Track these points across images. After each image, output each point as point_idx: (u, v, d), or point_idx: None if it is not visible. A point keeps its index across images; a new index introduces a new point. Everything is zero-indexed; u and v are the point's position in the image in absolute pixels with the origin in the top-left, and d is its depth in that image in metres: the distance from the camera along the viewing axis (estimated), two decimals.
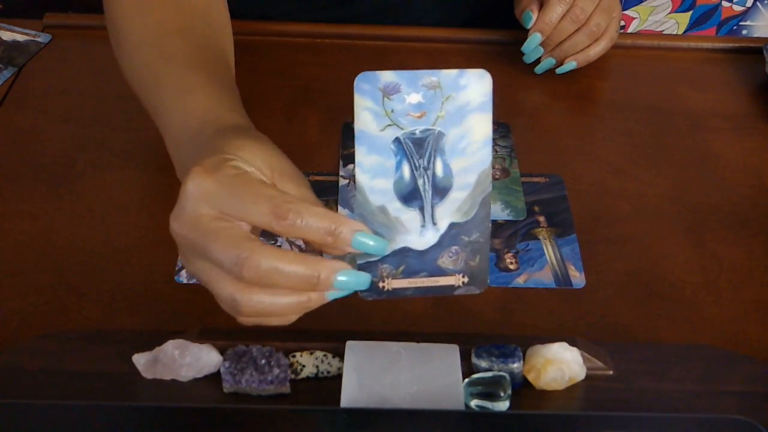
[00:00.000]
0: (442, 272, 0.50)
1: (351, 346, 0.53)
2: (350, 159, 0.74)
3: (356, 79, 0.46)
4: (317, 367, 0.54)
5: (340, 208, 0.70)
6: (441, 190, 0.48)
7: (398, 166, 0.48)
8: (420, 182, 0.48)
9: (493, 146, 0.69)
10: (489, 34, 0.91)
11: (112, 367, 0.54)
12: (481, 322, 0.61)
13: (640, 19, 1.65)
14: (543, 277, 0.65)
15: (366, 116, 0.46)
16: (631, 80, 0.87)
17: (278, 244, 0.64)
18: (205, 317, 0.59)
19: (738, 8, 1.63)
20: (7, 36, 0.87)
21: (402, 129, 0.47)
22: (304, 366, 0.54)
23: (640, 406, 0.53)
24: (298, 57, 0.87)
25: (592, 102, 0.85)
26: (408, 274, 0.50)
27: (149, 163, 0.73)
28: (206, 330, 0.55)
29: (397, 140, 0.47)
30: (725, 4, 1.63)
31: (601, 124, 0.81)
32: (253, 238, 0.46)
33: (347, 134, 0.77)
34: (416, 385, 0.51)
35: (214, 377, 0.53)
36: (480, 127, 0.48)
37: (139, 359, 0.53)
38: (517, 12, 0.84)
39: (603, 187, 0.73)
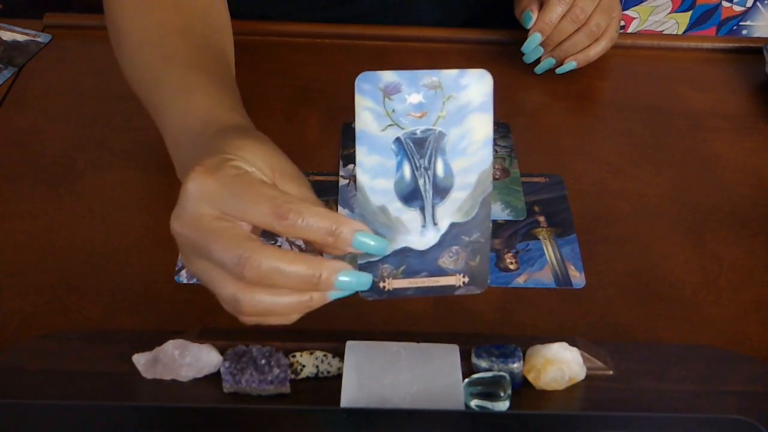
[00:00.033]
0: (443, 272, 0.50)
1: (351, 346, 0.53)
2: (350, 159, 0.74)
3: (357, 79, 0.46)
4: (317, 367, 0.54)
5: (340, 208, 0.70)
6: (442, 190, 0.48)
7: (399, 166, 0.48)
8: (421, 182, 0.48)
9: (493, 146, 0.69)
10: (489, 34, 0.91)
11: (112, 367, 0.54)
12: (481, 322, 0.61)
13: (640, 19, 1.65)
14: (543, 277, 0.65)
15: (367, 116, 0.46)
16: (631, 80, 0.87)
17: (278, 244, 0.64)
18: (205, 317, 0.59)
19: (738, 8, 1.63)
20: (7, 36, 0.87)
21: (403, 129, 0.47)
22: (304, 366, 0.54)
23: (640, 406, 0.53)
24: (298, 57, 0.87)
25: (592, 102, 0.85)
26: (408, 274, 0.50)
27: (149, 163, 0.73)
28: (206, 330, 0.55)
29: (397, 140, 0.47)
30: (725, 4, 1.63)
31: (601, 124, 0.81)
32: (254, 238, 0.46)
33: (347, 134, 0.77)
34: (416, 385, 0.51)
35: (214, 377, 0.53)
36: (481, 127, 0.48)
37: (139, 359, 0.53)
38: (517, 12, 0.84)
39: (603, 187, 0.73)
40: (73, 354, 0.55)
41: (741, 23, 1.66)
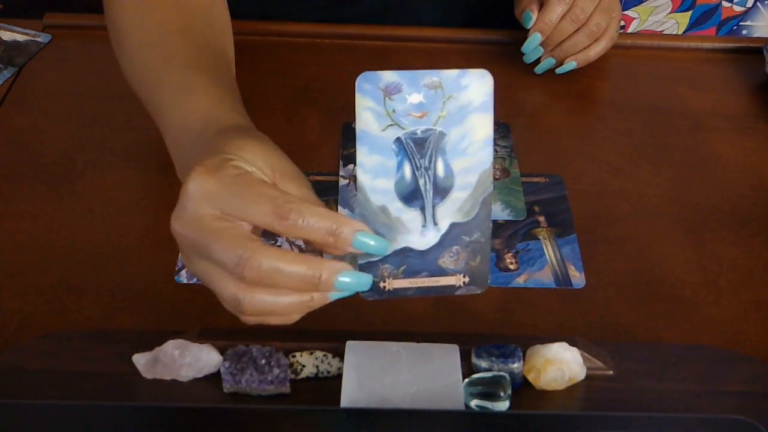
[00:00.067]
0: (443, 272, 0.50)
1: (351, 346, 0.53)
2: (350, 159, 0.74)
3: (358, 78, 0.46)
4: (317, 367, 0.54)
5: (340, 208, 0.70)
6: (442, 190, 0.48)
7: (399, 166, 0.48)
8: (421, 182, 0.48)
9: (494, 146, 0.69)
10: (489, 34, 0.91)
11: (112, 367, 0.54)
12: (481, 322, 0.61)
13: (640, 19, 1.65)
14: (543, 277, 0.65)
15: (367, 116, 0.46)
16: (631, 80, 0.87)
17: (278, 244, 0.64)
18: (205, 317, 0.59)
19: (738, 8, 1.63)
20: (7, 36, 0.87)
21: (403, 129, 0.47)
22: (304, 366, 0.54)
23: (640, 406, 0.53)
24: (298, 57, 0.87)
25: (592, 102, 0.85)
26: (409, 274, 0.50)
27: (149, 163, 0.73)
28: (206, 330, 0.55)
29: (398, 140, 0.47)
30: (725, 4, 1.63)
31: (601, 124, 0.81)
32: (254, 238, 0.46)
33: (347, 134, 0.77)
34: (416, 385, 0.51)
35: (214, 377, 0.53)
36: (481, 127, 0.48)
37: (139, 359, 0.53)
38: (517, 12, 0.84)
39: (603, 187, 0.73)
40: (73, 354, 0.55)
41: (741, 23, 1.66)
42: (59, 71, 0.83)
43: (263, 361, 0.52)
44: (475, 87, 0.47)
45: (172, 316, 0.61)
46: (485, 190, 0.49)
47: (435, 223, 0.49)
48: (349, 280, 0.46)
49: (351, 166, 0.73)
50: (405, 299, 0.50)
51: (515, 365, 0.53)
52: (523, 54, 0.85)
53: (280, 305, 0.46)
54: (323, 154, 0.75)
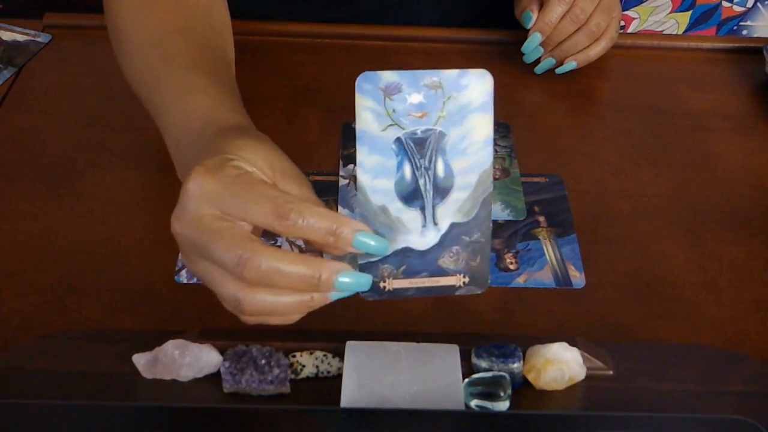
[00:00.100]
0: (443, 272, 0.50)
1: (351, 346, 0.53)
2: (350, 159, 0.74)
3: (358, 78, 0.46)
4: (317, 367, 0.54)
5: (340, 208, 0.70)
6: (442, 190, 0.48)
7: (399, 166, 0.48)
8: (421, 182, 0.48)
9: (493, 146, 0.69)
10: (489, 34, 0.91)
11: (112, 367, 0.54)
12: (481, 322, 0.61)
13: (640, 20, 1.65)
14: (543, 277, 0.65)
15: (367, 116, 0.46)
16: (631, 80, 0.87)
17: (278, 244, 0.64)
18: (205, 317, 0.59)
19: (738, 8, 1.63)
20: (7, 36, 0.87)
21: (403, 129, 0.47)
22: (304, 366, 0.54)
23: (640, 406, 0.53)
24: (298, 57, 0.87)
25: (592, 102, 0.85)
26: (409, 274, 0.50)
27: (149, 163, 0.73)
28: (206, 330, 0.55)
29: (398, 140, 0.47)
30: (725, 4, 1.63)
31: (601, 124, 0.81)
32: (254, 238, 0.46)
33: (347, 134, 0.77)
34: (416, 385, 0.51)
35: (214, 377, 0.53)
36: (481, 127, 0.48)
37: (139, 359, 0.53)
38: (517, 12, 0.84)
39: (603, 187, 0.73)
40: (73, 354, 0.55)
41: (741, 23, 1.66)
42: (59, 71, 0.83)
43: (263, 361, 0.52)
44: (475, 87, 0.47)
45: (172, 316, 0.61)
46: (485, 190, 0.49)
47: (435, 223, 0.49)
48: (348, 281, 0.46)
49: (351, 166, 0.73)
50: (405, 299, 0.50)
51: (515, 365, 0.53)
52: (523, 54, 0.85)
53: (281, 305, 0.46)
54: (323, 154, 0.75)
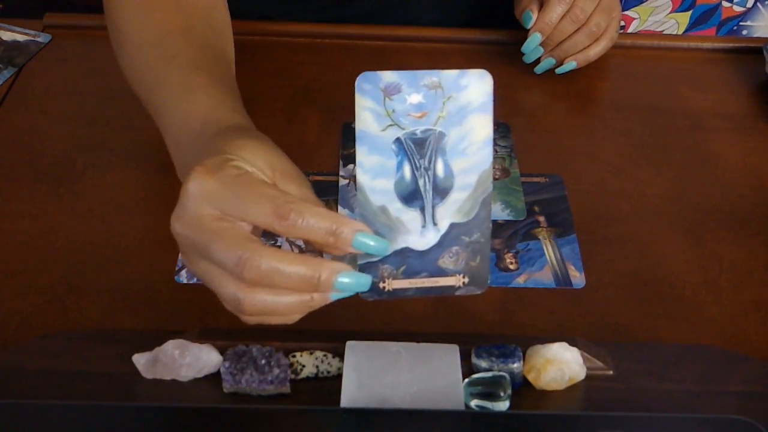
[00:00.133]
0: (443, 272, 0.50)
1: (351, 346, 0.53)
2: (350, 159, 0.74)
3: (357, 79, 0.46)
4: (317, 367, 0.54)
5: (340, 208, 0.70)
6: (442, 191, 0.48)
7: (399, 166, 0.48)
8: (421, 182, 0.48)
9: (493, 146, 0.69)
10: (489, 34, 0.91)
11: (112, 367, 0.54)
12: (481, 322, 0.61)
13: (640, 20, 1.65)
14: (543, 277, 0.65)
15: (367, 116, 0.46)
16: (631, 80, 0.87)
17: (278, 244, 0.64)
18: (205, 317, 0.59)
19: (738, 8, 1.63)
20: (7, 36, 0.87)
21: (403, 129, 0.47)
22: (304, 366, 0.54)
23: (640, 406, 0.53)
24: (298, 57, 0.87)
25: (592, 102, 0.85)
26: (409, 274, 0.50)
27: (149, 163, 0.73)
28: (206, 330, 0.55)
29: (398, 140, 0.47)
30: (725, 4, 1.63)
31: (601, 124, 0.81)
32: (254, 239, 0.46)
33: (347, 134, 0.77)
34: (416, 385, 0.51)
35: (214, 377, 0.53)
36: (481, 128, 0.48)
37: (139, 359, 0.53)
38: (517, 12, 0.84)
39: (603, 187, 0.73)
40: (73, 354, 0.55)
41: (741, 23, 1.66)
42: (59, 71, 0.83)
43: (263, 361, 0.52)
44: (474, 87, 0.47)
45: (172, 316, 0.61)
46: (485, 191, 0.49)
47: (435, 224, 0.49)
48: (348, 281, 0.46)
49: (351, 166, 0.73)
50: (405, 299, 0.50)
51: (515, 365, 0.53)
52: (523, 54, 0.85)
53: (281, 305, 0.46)
54: (323, 154, 0.75)
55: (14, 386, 0.52)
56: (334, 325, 0.55)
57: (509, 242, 0.67)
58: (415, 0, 0.93)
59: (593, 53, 0.83)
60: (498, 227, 0.68)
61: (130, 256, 0.65)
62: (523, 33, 0.83)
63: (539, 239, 0.68)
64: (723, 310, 0.63)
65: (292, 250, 0.64)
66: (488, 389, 0.52)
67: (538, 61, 0.85)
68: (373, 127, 0.47)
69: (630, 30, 1.65)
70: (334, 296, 0.47)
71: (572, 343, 0.54)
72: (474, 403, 0.52)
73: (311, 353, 0.54)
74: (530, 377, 0.53)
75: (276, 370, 0.52)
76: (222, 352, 0.53)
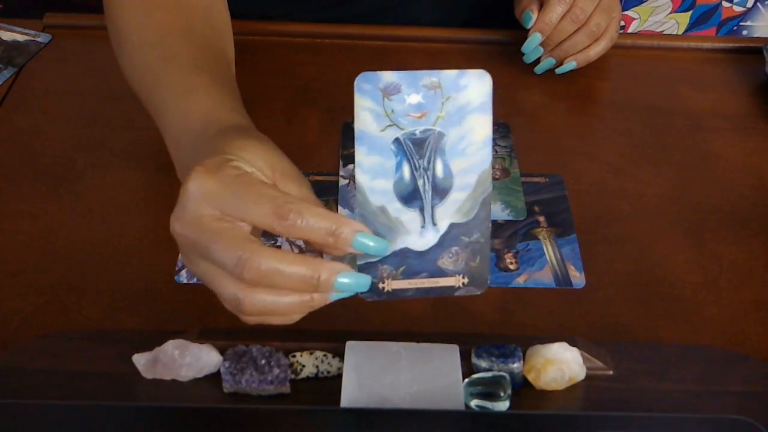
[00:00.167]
0: (443, 273, 0.50)
1: (351, 346, 0.53)
2: (350, 159, 0.74)
3: (357, 79, 0.46)
4: (317, 367, 0.54)
5: (340, 208, 0.70)
6: (441, 191, 0.48)
7: (398, 166, 0.48)
8: (420, 183, 0.48)
9: (493, 146, 0.69)
10: (489, 34, 0.91)
11: (112, 367, 0.54)
12: (481, 322, 0.61)
13: (640, 20, 1.65)
14: (543, 277, 0.65)
15: (366, 116, 0.46)
16: (631, 80, 0.87)
17: (278, 244, 0.64)
18: (205, 317, 0.59)
19: (738, 8, 1.63)
20: (7, 36, 0.87)
21: (402, 129, 0.47)
22: (304, 366, 0.54)
23: (640, 406, 0.53)
24: (298, 57, 0.87)
25: (592, 102, 0.85)
26: (408, 274, 0.50)
27: (149, 163, 0.73)
28: (206, 330, 0.55)
29: (397, 141, 0.47)
30: (725, 4, 1.63)
31: (601, 124, 0.81)
32: (253, 239, 0.46)
33: (347, 134, 0.77)
34: (416, 385, 0.51)
35: (214, 377, 0.53)
36: (480, 128, 0.48)
37: (139, 359, 0.53)
38: (517, 12, 0.84)
39: (603, 187, 0.73)
40: (73, 354, 0.55)
41: (741, 23, 1.66)
42: (59, 71, 0.83)
43: (263, 361, 0.52)
44: (474, 87, 0.47)
45: (172, 316, 0.61)
46: (484, 191, 0.49)
47: (434, 224, 0.49)
48: (348, 281, 0.46)
49: (351, 166, 0.73)
50: (405, 299, 0.50)
51: (515, 365, 0.53)
52: (523, 54, 0.85)
53: (281, 305, 0.46)
54: (323, 154, 0.75)
55: (14, 386, 0.53)
56: (334, 325, 0.55)
57: (509, 242, 0.67)
58: (415, 0, 0.93)
59: (593, 53, 0.83)
60: (498, 227, 0.68)
61: (130, 256, 0.65)
62: (523, 33, 0.83)
63: (539, 239, 0.68)
64: (723, 310, 0.63)
65: (292, 250, 0.64)
66: (488, 389, 0.52)
67: (538, 61, 0.85)
68: (373, 127, 0.47)
69: (630, 30, 1.65)
70: (333, 296, 0.47)
71: (572, 343, 0.54)
72: (474, 403, 0.52)
73: (311, 353, 0.54)
74: (530, 377, 0.53)
75: (276, 370, 0.52)
76: (222, 352, 0.53)
